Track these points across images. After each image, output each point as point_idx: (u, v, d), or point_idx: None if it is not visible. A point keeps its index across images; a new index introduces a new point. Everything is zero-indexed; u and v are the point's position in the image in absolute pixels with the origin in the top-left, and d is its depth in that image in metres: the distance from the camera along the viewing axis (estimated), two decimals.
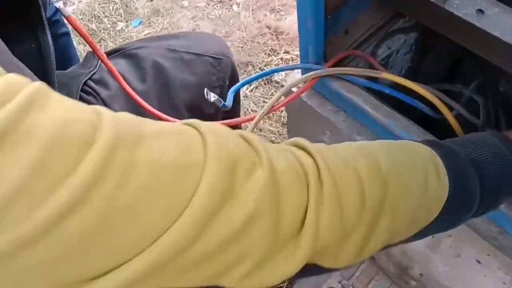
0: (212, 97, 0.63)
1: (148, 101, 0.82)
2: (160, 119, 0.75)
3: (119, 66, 0.85)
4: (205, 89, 0.63)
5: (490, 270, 0.82)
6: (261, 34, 1.94)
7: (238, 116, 1.10)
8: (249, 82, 0.78)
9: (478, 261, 0.82)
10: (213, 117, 0.96)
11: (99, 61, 0.85)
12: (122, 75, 0.82)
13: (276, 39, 1.91)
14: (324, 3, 0.72)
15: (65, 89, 0.74)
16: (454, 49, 0.98)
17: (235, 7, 2.07)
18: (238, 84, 0.74)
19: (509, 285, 0.81)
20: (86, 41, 0.70)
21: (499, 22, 0.65)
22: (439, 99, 0.74)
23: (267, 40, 1.91)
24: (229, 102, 0.69)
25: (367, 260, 1.24)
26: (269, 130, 1.60)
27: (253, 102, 1.71)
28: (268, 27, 1.95)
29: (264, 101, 1.71)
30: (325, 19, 0.78)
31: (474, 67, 0.95)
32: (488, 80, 0.98)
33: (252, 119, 0.74)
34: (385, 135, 0.85)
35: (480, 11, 0.66)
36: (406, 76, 1.11)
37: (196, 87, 0.87)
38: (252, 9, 2.04)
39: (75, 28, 0.67)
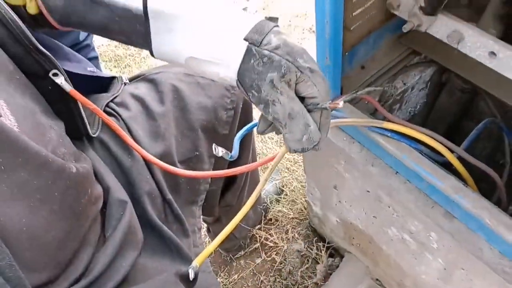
0: (220, 151, 0.66)
1: (166, 121, 0.87)
2: (157, 165, 0.79)
3: (140, 90, 0.91)
4: (213, 145, 0.65)
5: None
6: None
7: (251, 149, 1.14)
8: (254, 126, 0.78)
9: None
10: (226, 137, 1.00)
11: (122, 86, 0.91)
12: (142, 98, 0.88)
13: None
14: (342, 42, 0.76)
15: (88, 110, 0.78)
16: (468, 87, 1.01)
17: None
18: (243, 130, 0.76)
19: None
20: (90, 109, 0.74)
21: (511, 63, 0.68)
22: (441, 142, 0.77)
23: None
24: (235, 151, 0.71)
25: None
26: (285, 157, 1.64)
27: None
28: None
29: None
30: (342, 55, 0.83)
31: (488, 105, 0.98)
32: (502, 117, 1.01)
33: (271, 160, 0.78)
34: (398, 167, 0.87)
35: (493, 53, 0.69)
36: (420, 111, 1.14)
37: (212, 109, 0.92)
38: None
39: (79, 100, 0.71)
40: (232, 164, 0.95)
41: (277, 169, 1.63)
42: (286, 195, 1.56)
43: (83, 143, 0.80)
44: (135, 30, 0.64)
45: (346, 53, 0.87)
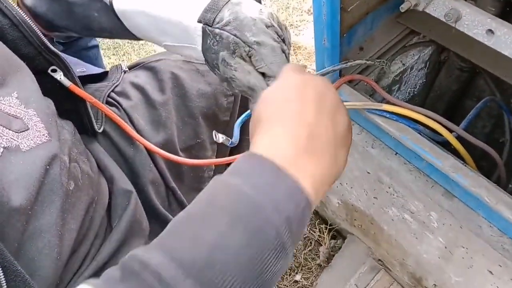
0: (220, 138, 0.67)
1: (167, 109, 0.87)
2: (159, 154, 0.80)
3: (139, 78, 0.90)
4: (213, 132, 0.66)
5: (502, 281, 0.83)
6: None
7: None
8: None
9: (490, 272, 0.84)
10: (228, 123, 1.00)
11: (122, 74, 0.91)
12: (142, 87, 0.88)
13: (294, 53, 1.96)
14: (340, 23, 0.76)
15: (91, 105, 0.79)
16: (467, 65, 1.01)
17: None
18: (243, 116, 0.76)
19: None
20: (89, 102, 0.75)
21: (509, 41, 0.68)
22: (439, 122, 0.77)
23: None
24: (235, 137, 0.71)
25: (382, 270, 1.26)
26: None
27: None
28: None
29: None
30: (340, 37, 0.82)
31: (487, 83, 0.98)
32: (500, 95, 1.01)
33: None
34: (397, 148, 0.88)
35: (490, 31, 0.69)
36: (420, 92, 1.14)
37: (212, 96, 0.92)
38: None
39: (79, 94, 0.72)
40: (235, 150, 0.96)
41: None
42: None
43: (88, 136, 0.81)
44: (116, 26, 0.67)
45: (344, 35, 0.87)
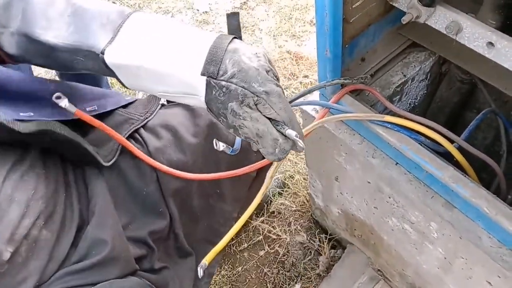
0: (221, 146, 0.68)
1: (195, 156, 0.87)
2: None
3: (176, 117, 0.89)
4: (214, 140, 0.67)
5: None
6: (282, 59, 2.00)
7: None
8: None
9: (489, 283, 0.84)
10: (252, 177, 1.01)
11: (158, 108, 0.90)
12: (175, 128, 0.87)
13: (296, 63, 1.97)
14: (342, 34, 0.77)
15: (116, 129, 0.77)
16: (467, 77, 1.01)
17: (257, 33, 2.15)
18: None
19: None
20: (106, 133, 0.74)
21: (509, 54, 0.68)
22: (441, 133, 0.77)
23: (287, 65, 1.97)
24: (237, 146, 0.73)
25: (382, 280, 1.26)
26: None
27: None
28: (289, 52, 2.02)
29: None
30: (342, 48, 0.83)
31: (487, 95, 0.99)
32: (500, 107, 1.01)
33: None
34: (398, 158, 0.88)
35: (491, 43, 0.70)
36: (421, 103, 1.15)
37: (243, 150, 0.86)
38: (274, 35, 2.12)
39: (88, 121, 0.71)
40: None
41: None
42: (289, 188, 1.57)
43: (94, 171, 0.79)
44: (104, 71, 0.64)
45: (346, 46, 0.88)
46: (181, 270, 0.88)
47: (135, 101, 0.91)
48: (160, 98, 0.90)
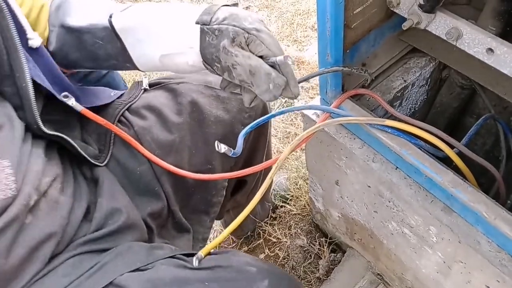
0: (223, 148, 0.69)
1: (182, 133, 0.88)
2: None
3: (158, 99, 0.90)
4: (216, 142, 0.69)
5: None
6: None
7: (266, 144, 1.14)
8: (259, 124, 0.82)
9: (488, 287, 0.85)
10: (242, 152, 1.01)
11: (141, 92, 0.92)
12: (159, 109, 0.88)
13: (298, 68, 1.98)
14: (343, 39, 0.78)
15: (105, 118, 0.80)
16: (467, 83, 1.02)
17: None
18: (248, 128, 0.78)
19: None
20: (102, 124, 0.79)
21: (508, 60, 0.69)
22: (441, 138, 0.78)
23: None
24: (238, 148, 0.73)
25: (381, 284, 1.26)
26: (292, 156, 1.66)
27: (273, 127, 1.77)
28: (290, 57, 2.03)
29: (282, 122, 1.78)
30: (344, 53, 0.84)
31: (487, 101, 1.00)
32: (500, 112, 1.02)
33: (274, 162, 0.81)
34: (398, 163, 0.89)
35: (490, 50, 0.71)
36: (421, 108, 1.16)
37: (229, 124, 0.92)
38: None
39: (91, 118, 0.77)
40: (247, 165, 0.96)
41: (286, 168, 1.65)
42: (291, 191, 1.58)
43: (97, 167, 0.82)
44: (119, 51, 0.72)
45: (348, 51, 0.89)
46: (180, 244, 0.90)
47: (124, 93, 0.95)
48: (143, 83, 0.94)
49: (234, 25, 0.61)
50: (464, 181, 0.77)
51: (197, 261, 0.72)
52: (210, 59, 0.64)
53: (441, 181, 0.77)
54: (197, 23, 0.64)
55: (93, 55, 0.75)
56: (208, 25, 0.62)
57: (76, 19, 0.74)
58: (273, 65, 0.61)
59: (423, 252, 0.96)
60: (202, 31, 0.63)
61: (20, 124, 0.68)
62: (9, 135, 0.66)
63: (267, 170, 1.31)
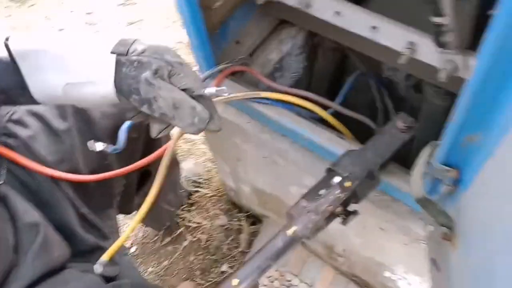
0: (99, 146, 0.68)
1: (71, 137, 0.86)
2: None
3: (39, 105, 0.87)
4: (88, 142, 0.68)
5: (392, 235, 0.93)
6: (175, 49, 1.99)
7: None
8: None
9: (381, 229, 0.93)
10: (136, 140, 1.00)
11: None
12: (42, 115, 0.84)
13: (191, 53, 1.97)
14: (206, 20, 0.79)
15: None
16: (337, 45, 1.09)
17: (145, 26, 2.12)
18: (130, 123, 0.78)
19: (410, 245, 0.92)
20: None
21: (353, 21, 0.75)
22: (314, 101, 0.84)
23: (181, 55, 1.96)
24: (120, 143, 0.73)
25: (300, 245, 1.33)
26: (193, 140, 1.67)
27: None
28: (182, 42, 2.01)
29: None
30: (213, 33, 0.86)
31: (355, 59, 1.07)
32: (370, 69, 1.10)
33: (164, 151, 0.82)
34: (283, 131, 0.94)
35: (337, 13, 0.76)
36: (304, 76, 1.22)
37: (118, 116, 0.90)
38: (165, 26, 2.10)
39: None
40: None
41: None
42: (202, 175, 1.60)
43: None
44: (11, 81, 0.63)
45: (217, 31, 0.91)
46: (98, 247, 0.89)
47: None
48: None
49: (156, 57, 0.59)
50: (340, 137, 0.83)
51: (100, 267, 0.72)
52: (126, 90, 0.59)
53: (319, 141, 0.83)
54: (112, 52, 0.60)
55: None
56: (125, 55, 0.59)
57: None
58: (195, 99, 0.61)
59: None
60: (118, 62, 0.59)
61: None
62: None
63: (173, 157, 1.33)
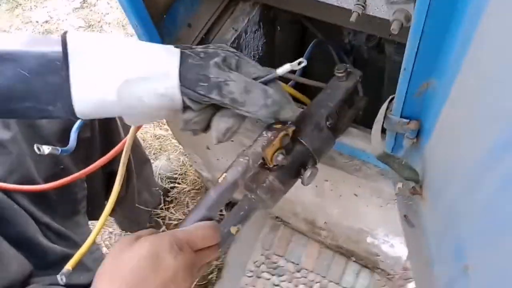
0: (46, 149, 0.65)
1: (18, 145, 0.82)
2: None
3: None
4: (35, 146, 0.64)
5: (366, 199, 0.92)
6: None
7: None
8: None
9: (356, 195, 0.92)
10: (90, 140, 0.97)
11: None
12: None
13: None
14: (147, 6, 0.76)
15: None
16: (294, 17, 1.07)
17: (106, 27, 2.07)
18: (80, 121, 0.74)
19: (385, 207, 0.91)
20: None
21: None
22: None
23: None
24: (71, 144, 0.70)
25: (282, 225, 1.32)
26: (165, 137, 1.65)
27: None
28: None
29: None
30: (159, 20, 0.83)
31: (312, 28, 1.05)
32: (331, 37, 1.09)
33: (121, 147, 0.79)
34: None
35: None
36: (265, 53, 1.19)
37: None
38: (123, 25, 2.05)
39: None
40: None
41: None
42: (176, 170, 1.57)
43: None
44: (47, 84, 0.55)
45: (165, 16, 0.88)
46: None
47: None
48: None
49: (223, 48, 0.58)
50: (302, 107, 0.81)
51: (64, 278, 0.69)
52: (193, 79, 0.55)
53: None
54: (176, 47, 0.58)
55: (7, 90, 0.55)
56: (190, 49, 0.58)
57: None
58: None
59: (297, 183, 1.01)
60: (183, 54, 0.56)
61: None
62: None
63: (140, 155, 1.30)
